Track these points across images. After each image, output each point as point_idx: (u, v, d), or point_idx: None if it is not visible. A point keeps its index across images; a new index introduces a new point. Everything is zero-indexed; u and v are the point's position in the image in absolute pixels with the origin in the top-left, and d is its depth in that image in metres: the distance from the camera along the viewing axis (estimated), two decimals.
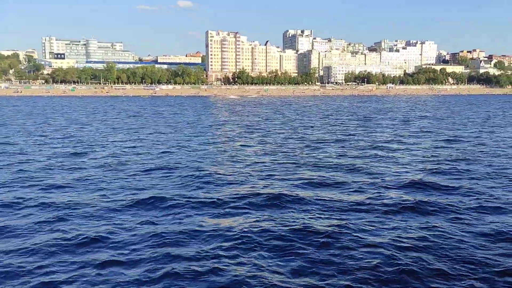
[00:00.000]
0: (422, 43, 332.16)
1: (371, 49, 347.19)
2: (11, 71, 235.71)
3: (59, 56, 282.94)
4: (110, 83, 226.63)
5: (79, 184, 22.81)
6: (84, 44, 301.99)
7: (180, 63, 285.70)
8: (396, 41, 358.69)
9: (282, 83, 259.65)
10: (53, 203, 19.02)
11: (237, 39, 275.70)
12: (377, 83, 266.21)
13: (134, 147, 37.22)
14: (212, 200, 19.37)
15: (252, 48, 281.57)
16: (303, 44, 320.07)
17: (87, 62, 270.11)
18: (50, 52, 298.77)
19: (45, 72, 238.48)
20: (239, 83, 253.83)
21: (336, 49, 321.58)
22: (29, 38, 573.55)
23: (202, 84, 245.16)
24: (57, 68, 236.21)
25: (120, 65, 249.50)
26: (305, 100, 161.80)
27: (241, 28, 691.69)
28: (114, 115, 79.77)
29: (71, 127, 55.61)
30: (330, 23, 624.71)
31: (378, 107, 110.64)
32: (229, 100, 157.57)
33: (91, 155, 32.54)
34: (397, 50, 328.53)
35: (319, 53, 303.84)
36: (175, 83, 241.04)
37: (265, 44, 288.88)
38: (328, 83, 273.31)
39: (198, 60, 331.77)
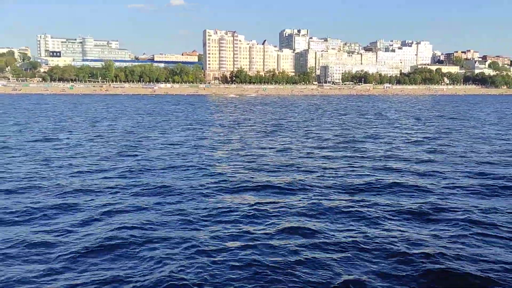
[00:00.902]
0: (418, 43, 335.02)
1: (367, 49, 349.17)
2: (7, 69, 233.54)
3: (55, 54, 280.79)
4: (108, 81, 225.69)
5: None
6: (80, 42, 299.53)
7: (176, 62, 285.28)
8: (392, 41, 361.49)
9: (279, 82, 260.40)
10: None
11: (234, 38, 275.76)
12: (374, 83, 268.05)
13: (197, 146, 36.89)
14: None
15: (250, 47, 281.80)
16: (300, 44, 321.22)
17: (83, 60, 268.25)
18: (45, 50, 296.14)
19: (42, 70, 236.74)
20: (237, 82, 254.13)
21: (332, 48, 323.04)
22: (22, 36, 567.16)
23: (200, 83, 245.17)
24: (54, 66, 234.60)
25: (117, 64, 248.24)
26: (307, 99, 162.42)
27: (237, 27, 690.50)
28: (134, 113, 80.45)
29: (118, 125, 55.90)
30: (326, 23, 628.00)
31: (386, 107, 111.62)
32: (229, 99, 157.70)
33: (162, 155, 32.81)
34: (393, 50, 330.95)
35: (315, 52, 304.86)
36: (173, 81, 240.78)
37: (263, 43, 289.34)
38: (325, 82, 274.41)
39: (194, 59, 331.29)
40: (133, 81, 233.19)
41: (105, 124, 57.35)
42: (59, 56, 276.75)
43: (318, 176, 24.24)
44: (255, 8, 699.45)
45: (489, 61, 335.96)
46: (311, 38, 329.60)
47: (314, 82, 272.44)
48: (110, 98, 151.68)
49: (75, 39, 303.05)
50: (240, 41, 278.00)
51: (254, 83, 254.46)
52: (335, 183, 22.58)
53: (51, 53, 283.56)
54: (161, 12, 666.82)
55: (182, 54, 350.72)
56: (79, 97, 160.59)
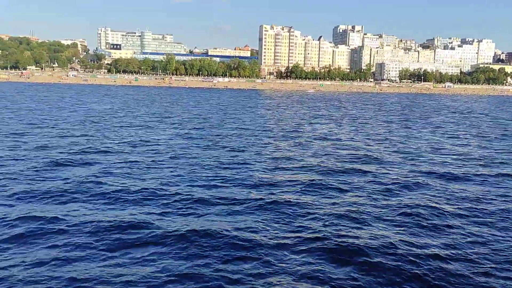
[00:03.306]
0: (479, 41, 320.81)
1: (424, 46, 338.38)
2: (74, 60, 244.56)
3: (115, 46, 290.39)
4: (169, 74, 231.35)
5: None
6: (139, 36, 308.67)
7: (230, 56, 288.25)
8: (450, 38, 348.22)
9: (334, 79, 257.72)
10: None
11: (290, 34, 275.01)
12: (433, 82, 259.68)
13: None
14: None
15: (306, 43, 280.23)
16: (354, 40, 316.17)
17: (143, 53, 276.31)
18: (106, 43, 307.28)
19: (106, 62, 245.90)
20: (292, 78, 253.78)
21: (387, 45, 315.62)
22: (75, 28, 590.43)
23: (256, 78, 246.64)
24: (117, 58, 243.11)
25: (176, 57, 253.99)
26: (379, 97, 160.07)
27: (290, 23, 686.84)
28: (231, 106, 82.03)
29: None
30: (381, 19, 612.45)
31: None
32: (310, 95, 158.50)
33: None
34: (452, 48, 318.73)
35: (370, 49, 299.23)
36: (231, 76, 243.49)
37: (318, 39, 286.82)
38: (381, 80, 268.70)
39: (247, 53, 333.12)
40: (192, 74, 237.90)
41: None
42: (119, 48, 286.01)
43: None
44: (309, 4, 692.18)
45: None
46: (365, 34, 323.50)
47: (370, 79, 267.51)
48: (186, 91, 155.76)
49: (134, 33, 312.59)
50: (296, 36, 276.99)
51: (309, 78, 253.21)
52: None
53: (111, 46, 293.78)
54: (208, 7, 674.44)
55: (235, 49, 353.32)
56: (153, 89, 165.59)
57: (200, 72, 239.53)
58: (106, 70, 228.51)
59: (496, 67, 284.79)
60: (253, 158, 28.41)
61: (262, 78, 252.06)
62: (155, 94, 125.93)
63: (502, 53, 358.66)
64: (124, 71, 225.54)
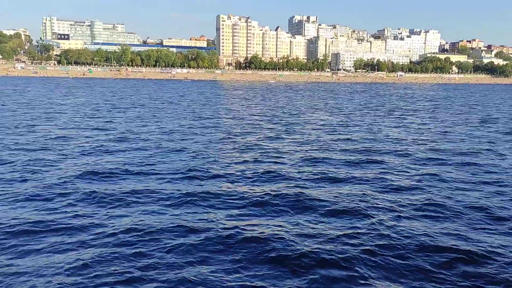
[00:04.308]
0: (426, 32, 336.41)
1: (375, 37, 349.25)
2: (19, 51, 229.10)
3: (63, 36, 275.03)
4: (125, 65, 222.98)
5: None
6: (89, 25, 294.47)
7: (186, 47, 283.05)
8: (399, 29, 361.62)
9: (292, 69, 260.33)
10: None
11: (248, 24, 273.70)
12: (386, 71, 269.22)
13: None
14: None
15: (263, 33, 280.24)
16: (309, 31, 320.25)
17: (94, 43, 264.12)
18: (53, 33, 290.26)
19: (55, 53, 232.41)
20: (251, 68, 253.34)
21: (341, 36, 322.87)
22: (16, 18, 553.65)
23: (215, 69, 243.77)
24: (67, 49, 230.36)
25: (131, 48, 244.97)
26: (337, 86, 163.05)
27: (245, 12, 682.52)
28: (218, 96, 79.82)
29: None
30: (334, 10, 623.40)
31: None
32: (273, 85, 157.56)
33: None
34: (402, 39, 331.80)
35: (325, 39, 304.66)
36: (189, 66, 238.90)
37: (276, 30, 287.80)
38: (337, 70, 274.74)
39: (203, 44, 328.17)
40: (148, 65, 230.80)
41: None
42: (67, 39, 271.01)
43: None
44: None
45: (495, 51, 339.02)
46: (320, 25, 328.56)
47: (327, 70, 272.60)
48: (148, 83, 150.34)
49: (83, 22, 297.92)
50: (253, 27, 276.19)
51: (268, 69, 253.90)
52: None
53: (59, 36, 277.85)
54: None
55: (191, 39, 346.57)
56: (112, 81, 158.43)
57: (157, 63, 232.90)
58: (56, 62, 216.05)
59: (442, 56, 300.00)
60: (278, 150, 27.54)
61: (221, 69, 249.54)
62: (120, 86, 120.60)
63: (446, 43, 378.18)
64: (76, 63, 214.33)
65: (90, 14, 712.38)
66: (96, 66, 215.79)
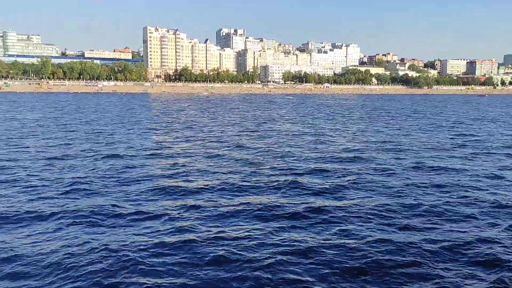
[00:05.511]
0: (347, 45, 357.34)
1: (300, 50, 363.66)
2: None
3: None
4: (45, 78, 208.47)
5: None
6: (1, 36, 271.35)
7: (110, 59, 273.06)
8: (322, 42, 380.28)
9: (223, 81, 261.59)
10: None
11: (176, 36, 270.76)
12: (313, 83, 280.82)
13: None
14: None
15: (192, 45, 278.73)
16: (237, 43, 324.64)
17: (9, 55, 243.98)
18: None
19: None
20: (181, 80, 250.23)
21: (268, 48, 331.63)
22: None
23: (144, 81, 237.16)
24: None
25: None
26: (268, 98, 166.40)
27: (162, 24, 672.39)
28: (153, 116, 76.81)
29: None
30: (260, 23, 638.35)
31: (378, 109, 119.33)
32: (206, 98, 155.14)
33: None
34: (325, 52, 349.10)
35: (254, 52, 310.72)
36: (116, 79, 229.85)
37: (205, 42, 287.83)
38: (267, 82, 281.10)
39: (128, 56, 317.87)
40: (72, 78, 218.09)
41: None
42: None
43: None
44: (182, 4, 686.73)
45: (408, 64, 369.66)
46: (247, 38, 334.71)
47: (257, 81, 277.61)
48: (71, 97, 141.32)
49: None
50: (182, 39, 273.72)
51: (199, 81, 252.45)
52: None
53: None
54: (76, 5, 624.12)
55: (114, 51, 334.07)
56: (34, 95, 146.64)
57: (81, 76, 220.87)
58: None
59: (363, 69, 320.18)
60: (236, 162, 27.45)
61: (150, 81, 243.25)
62: (54, 101, 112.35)
63: (365, 56, 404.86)
64: None
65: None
66: (13, 79, 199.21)
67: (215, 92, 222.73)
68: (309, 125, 53.56)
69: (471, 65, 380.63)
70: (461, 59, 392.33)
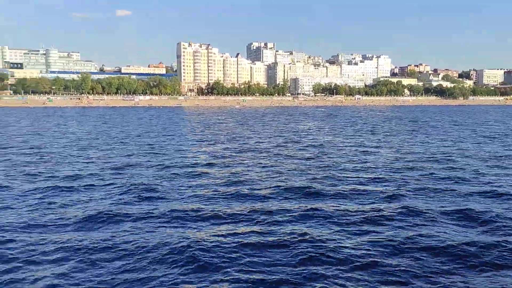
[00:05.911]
0: (378, 57, 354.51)
1: (330, 62, 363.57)
2: None
3: (16, 65, 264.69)
4: (85, 93, 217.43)
5: None
6: (44, 54, 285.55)
7: (146, 74, 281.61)
8: (352, 54, 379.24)
9: (254, 94, 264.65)
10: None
11: (209, 51, 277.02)
12: (344, 95, 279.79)
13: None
14: None
15: (224, 60, 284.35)
16: (268, 57, 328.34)
17: (51, 72, 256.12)
18: (5, 62, 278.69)
19: (9, 82, 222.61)
20: (214, 94, 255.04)
21: (298, 61, 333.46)
22: None
23: (178, 95, 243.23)
24: (21, 78, 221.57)
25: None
26: (303, 109, 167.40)
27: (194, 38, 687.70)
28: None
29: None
30: (290, 37, 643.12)
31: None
32: (239, 110, 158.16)
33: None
34: (356, 63, 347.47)
35: (284, 65, 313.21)
36: (151, 93, 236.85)
37: (236, 56, 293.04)
38: (297, 94, 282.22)
39: (162, 71, 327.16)
40: (110, 93, 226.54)
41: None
42: (21, 68, 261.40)
43: None
44: (213, 19, 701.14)
45: (441, 74, 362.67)
46: (277, 51, 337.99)
47: (287, 94, 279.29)
48: (112, 111, 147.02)
49: (38, 50, 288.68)
50: (214, 54, 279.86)
51: (230, 94, 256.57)
52: None
53: (11, 65, 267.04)
54: (110, 22, 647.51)
55: (149, 66, 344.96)
56: (76, 109, 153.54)
57: (119, 91, 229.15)
58: (11, 92, 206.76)
59: (394, 80, 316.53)
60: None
61: (184, 95, 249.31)
62: (98, 115, 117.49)
63: (396, 67, 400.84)
64: (33, 92, 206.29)
65: (39, 42, 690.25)
66: (55, 95, 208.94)
67: (246, 104, 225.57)
68: (351, 136, 54.17)
69: (509, 74, 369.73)
70: (498, 69, 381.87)
